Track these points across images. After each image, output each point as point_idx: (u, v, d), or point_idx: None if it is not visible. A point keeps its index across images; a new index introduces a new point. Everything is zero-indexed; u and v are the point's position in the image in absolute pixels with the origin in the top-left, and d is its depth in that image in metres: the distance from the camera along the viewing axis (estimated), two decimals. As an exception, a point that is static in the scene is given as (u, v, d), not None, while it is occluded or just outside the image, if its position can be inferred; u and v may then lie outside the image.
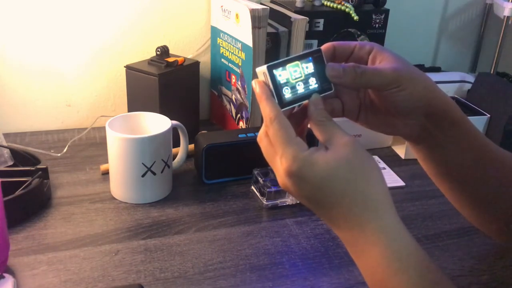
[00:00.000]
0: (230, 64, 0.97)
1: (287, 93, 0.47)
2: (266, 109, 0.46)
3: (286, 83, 0.47)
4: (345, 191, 0.43)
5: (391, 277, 0.42)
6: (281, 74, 0.47)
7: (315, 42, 1.00)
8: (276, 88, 0.47)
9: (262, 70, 0.47)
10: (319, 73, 0.49)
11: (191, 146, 0.86)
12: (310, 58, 0.48)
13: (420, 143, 0.54)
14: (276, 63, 0.47)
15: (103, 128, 0.77)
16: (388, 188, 0.45)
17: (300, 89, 0.48)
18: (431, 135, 0.52)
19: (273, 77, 0.47)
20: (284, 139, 0.45)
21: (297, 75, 0.48)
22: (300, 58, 0.48)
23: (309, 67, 0.48)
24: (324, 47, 0.51)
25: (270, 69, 0.47)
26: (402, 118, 0.51)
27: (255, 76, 0.88)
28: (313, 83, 0.48)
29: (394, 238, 0.43)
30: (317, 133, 0.47)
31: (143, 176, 0.74)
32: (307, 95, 0.48)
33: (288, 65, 0.48)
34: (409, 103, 0.49)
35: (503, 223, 0.56)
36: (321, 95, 0.49)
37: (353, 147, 0.44)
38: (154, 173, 0.75)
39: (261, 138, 0.48)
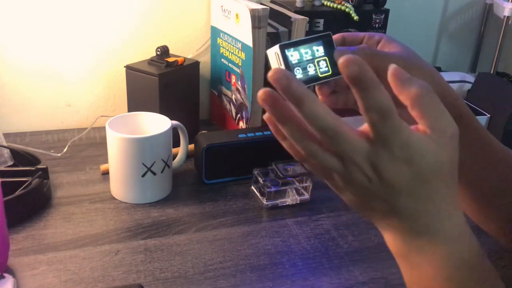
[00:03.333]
0: (230, 64, 0.97)
1: (298, 74, 0.47)
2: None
3: (298, 64, 0.47)
4: (443, 187, 0.40)
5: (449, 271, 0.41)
6: (293, 55, 0.47)
7: (315, 42, 1.00)
8: (288, 68, 0.46)
9: (274, 50, 0.47)
10: (329, 56, 0.48)
11: (191, 146, 0.86)
12: (321, 41, 0.48)
13: None
14: (288, 43, 0.47)
15: (103, 128, 0.77)
16: None
17: (311, 71, 0.48)
18: None
19: (285, 57, 0.46)
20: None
21: (308, 56, 0.47)
22: (311, 40, 0.48)
23: (320, 50, 0.48)
24: (333, 37, 0.50)
25: (282, 49, 0.46)
26: (407, 109, 0.50)
27: (255, 76, 0.88)
28: (323, 66, 0.48)
29: (470, 235, 0.42)
30: (421, 113, 0.39)
31: (143, 176, 0.74)
32: (317, 78, 0.48)
33: (300, 46, 0.47)
34: None
35: (504, 221, 0.56)
36: (331, 79, 0.48)
37: (456, 141, 0.40)
38: (154, 173, 0.75)
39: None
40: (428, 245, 0.40)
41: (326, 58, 0.48)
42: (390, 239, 0.42)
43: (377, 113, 0.37)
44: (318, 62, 0.48)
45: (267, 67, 0.89)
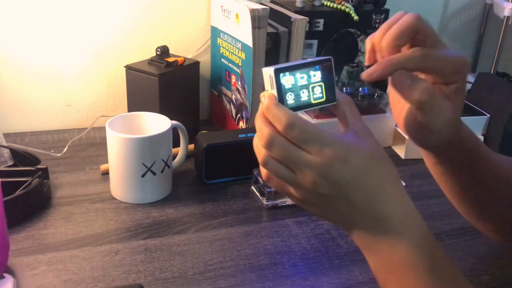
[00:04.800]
0: (230, 64, 0.97)
1: (290, 99, 0.46)
2: (278, 114, 0.44)
3: (291, 89, 0.46)
4: (383, 172, 0.45)
5: (414, 258, 0.43)
6: (288, 79, 0.46)
7: (315, 42, 1.00)
8: (280, 92, 0.46)
9: (268, 72, 0.46)
10: (326, 82, 0.47)
11: (191, 146, 0.86)
12: (318, 66, 0.47)
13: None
14: (283, 67, 0.46)
15: (103, 128, 0.77)
16: None
17: (304, 96, 0.47)
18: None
19: (278, 81, 0.45)
20: (316, 132, 0.43)
21: (303, 82, 0.46)
22: (309, 65, 0.46)
23: (317, 76, 0.47)
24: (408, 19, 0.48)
25: (277, 73, 0.45)
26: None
27: (255, 76, 0.88)
28: (318, 92, 0.47)
29: (419, 223, 0.45)
30: (346, 113, 0.46)
31: (143, 176, 0.74)
32: (309, 104, 0.47)
33: (296, 71, 0.46)
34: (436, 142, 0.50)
35: (501, 224, 0.57)
36: (324, 106, 0.47)
37: (375, 138, 0.46)
38: (154, 173, 0.75)
39: (275, 146, 0.44)
40: (384, 231, 0.44)
41: (322, 84, 0.47)
42: (355, 235, 0.46)
43: (281, 127, 0.43)
44: (313, 88, 0.47)
45: (268, 66, 0.89)
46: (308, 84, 0.46)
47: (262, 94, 0.46)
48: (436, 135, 0.49)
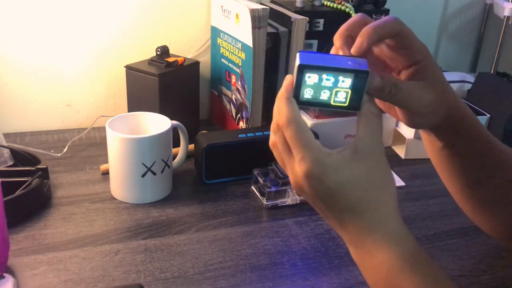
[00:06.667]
0: (230, 64, 0.97)
1: (307, 94, 0.45)
2: (284, 109, 0.44)
3: (312, 86, 0.45)
4: (362, 198, 0.43)
5: (396, 275, 0.43)
6: (311, 76, 0.45)
7: (315, 42, 1.00)
8: (298, 87, 0.45)
9: (297, 63, 0.45)
10: (354, 91, 0.45)
11: (191, 146, 0.86)
12: (354, 74, 0.44)
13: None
14: (312, 66, 0.44)
15: (103, 128, 0.77)
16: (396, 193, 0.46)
17: (324, 96, 0.45)
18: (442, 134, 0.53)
19: (300, 77, 0.45)
20: (304, 142, 0.43)
21: (328, 83, 0.45)
22: (343, 70, 0.45)
23: (346, 82, 0.45)
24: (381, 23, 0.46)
25: (301, 69, 0.44)
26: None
27: (255, 76, 0.89)
28: (341, 97, 0.46)
29: (400, 240, 0.44)
30: (360, 125, 0.45)
31: (143, 176, 0.74)
32: (327, 105, 0.46)
33: (324, 71, 0.45)
34: (426, 124, 0.51)
35: (504, 224, 0.56)
36: (343, 111, 0.46)
37: (381, 158, 0.44)
38: (154, 173, 0.75)
39: (275, 142, 0.46)
40: (365, 252, 0.44)
41: (349, 90, 0.45)
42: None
43: (281, 122, 0.44)
44: (336, 92, 0.45)
45: (268, 66, 0.89)
46: (333, 87, 0.45)
47: (287, 77, 0.46)
48: (424, 117, 0.49)
